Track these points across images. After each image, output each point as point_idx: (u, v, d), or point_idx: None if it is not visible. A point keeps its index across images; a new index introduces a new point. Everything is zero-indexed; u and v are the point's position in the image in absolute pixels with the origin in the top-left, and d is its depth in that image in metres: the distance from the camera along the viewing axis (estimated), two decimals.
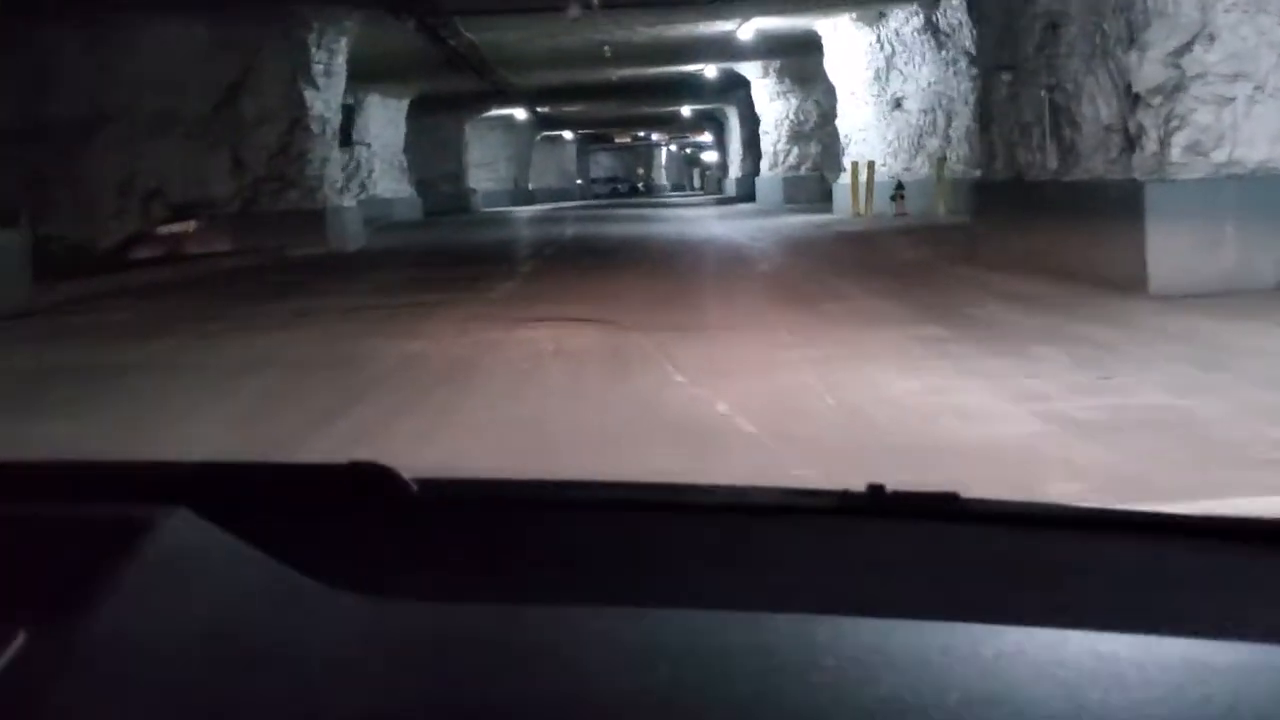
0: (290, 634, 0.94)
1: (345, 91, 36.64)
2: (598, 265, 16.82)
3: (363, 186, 36.84)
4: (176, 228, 20.48)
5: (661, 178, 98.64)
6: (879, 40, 25.40)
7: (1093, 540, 1.08)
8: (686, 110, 57.67)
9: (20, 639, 0.84)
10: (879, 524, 1.11)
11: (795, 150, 36.94)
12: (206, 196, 21.27)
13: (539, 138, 64.51)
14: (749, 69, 36.67)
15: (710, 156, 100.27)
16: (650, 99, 49.36)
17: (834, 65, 27.30)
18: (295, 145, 21.60)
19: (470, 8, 21.86)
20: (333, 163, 22.85)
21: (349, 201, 24.13)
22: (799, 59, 34.42)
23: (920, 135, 24.57)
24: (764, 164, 37.88)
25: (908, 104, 24.86)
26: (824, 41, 27.17)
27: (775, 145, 37.22)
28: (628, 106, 53.69)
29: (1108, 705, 0.82)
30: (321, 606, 0.98)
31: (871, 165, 24.47)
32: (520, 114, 51.69)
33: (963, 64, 23.28)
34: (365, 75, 33.92)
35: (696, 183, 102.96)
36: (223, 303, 13.58)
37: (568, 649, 0.93)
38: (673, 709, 0.85)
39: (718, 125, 64.64)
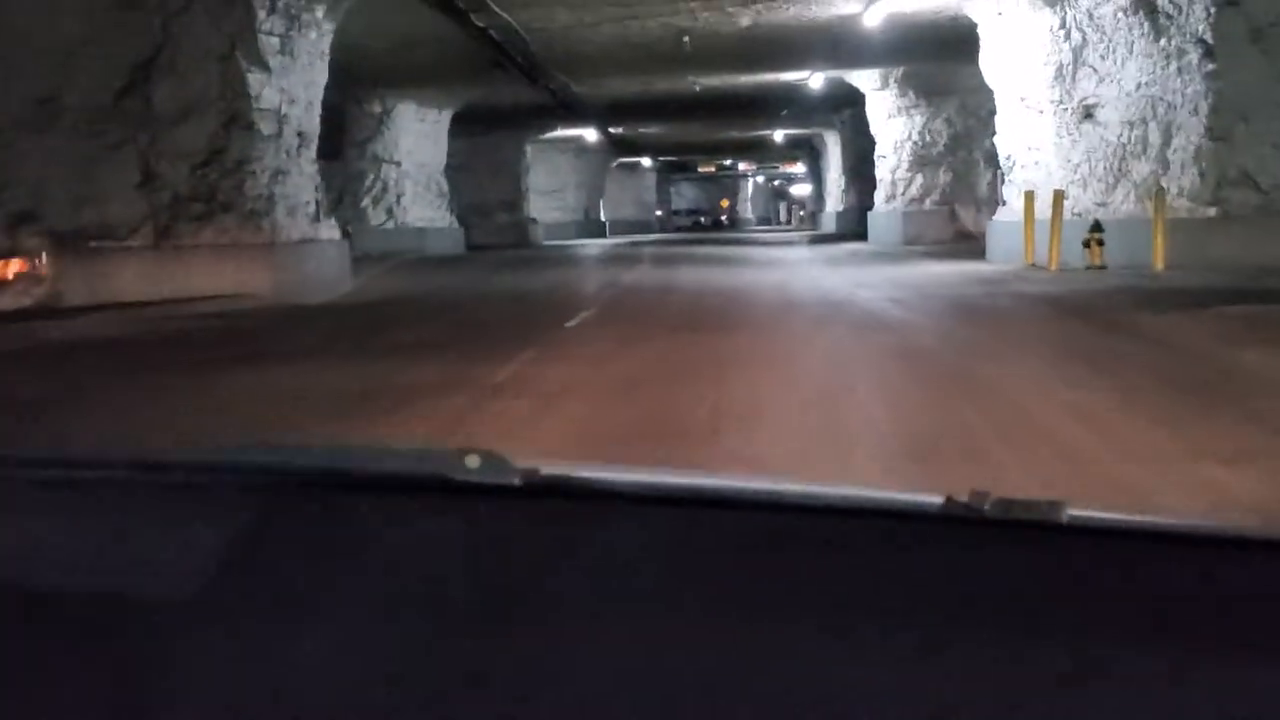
0: None
1: (370, 98, 30.55)
2: (670, 344, 10.03)
3: (389, 213, 30.52)
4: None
5: (747, 210, 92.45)
6: (1063, 25, 18.41)
7: (1205, 559, 1.03)
8: (779, 135, 50.82)
9: None
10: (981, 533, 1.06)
11: (919, 179, 29.96)
12: (103, 221, 14.81)
13: (614, 164, 58.07)
14: (864, 79, 29.79)
15: (800, 190, 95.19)
16: (739, 119, 42.54)
17: (994, 61, 20.28)
18: (232, 150, 15.07)
19: None
20: (295, 177, 16.26)
21: (327, 232, 17.51)
22: (931, 65, 27.52)
23: (1123, 157, 17.53)
24: (879, 195, 30.90)
25: (1104, 113, 17.83)
26: (980, 29, 20.21)
27: (894, 173, 30.26)
28: (712, 129, 46.93)
29: None
30: None
31: (1059, 197, 17.40)
32: (591, 135, 45.23)
33: (1193, 56, 16.26)
34: (391, 76, 27.57)
35: (783, 216, 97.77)
36: None
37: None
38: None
39: (812, 153, 57.82)
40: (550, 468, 1.17)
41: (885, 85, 29.66)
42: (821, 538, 1.09)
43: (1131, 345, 9.10)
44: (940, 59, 26.22)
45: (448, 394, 7.29)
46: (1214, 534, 1.08)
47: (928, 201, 29.91)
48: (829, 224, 50.13)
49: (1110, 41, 17.59)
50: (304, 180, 16.68)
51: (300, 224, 16.40)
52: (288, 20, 15.61)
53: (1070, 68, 18.32)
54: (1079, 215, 17.88)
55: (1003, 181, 20.97)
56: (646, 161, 64.39)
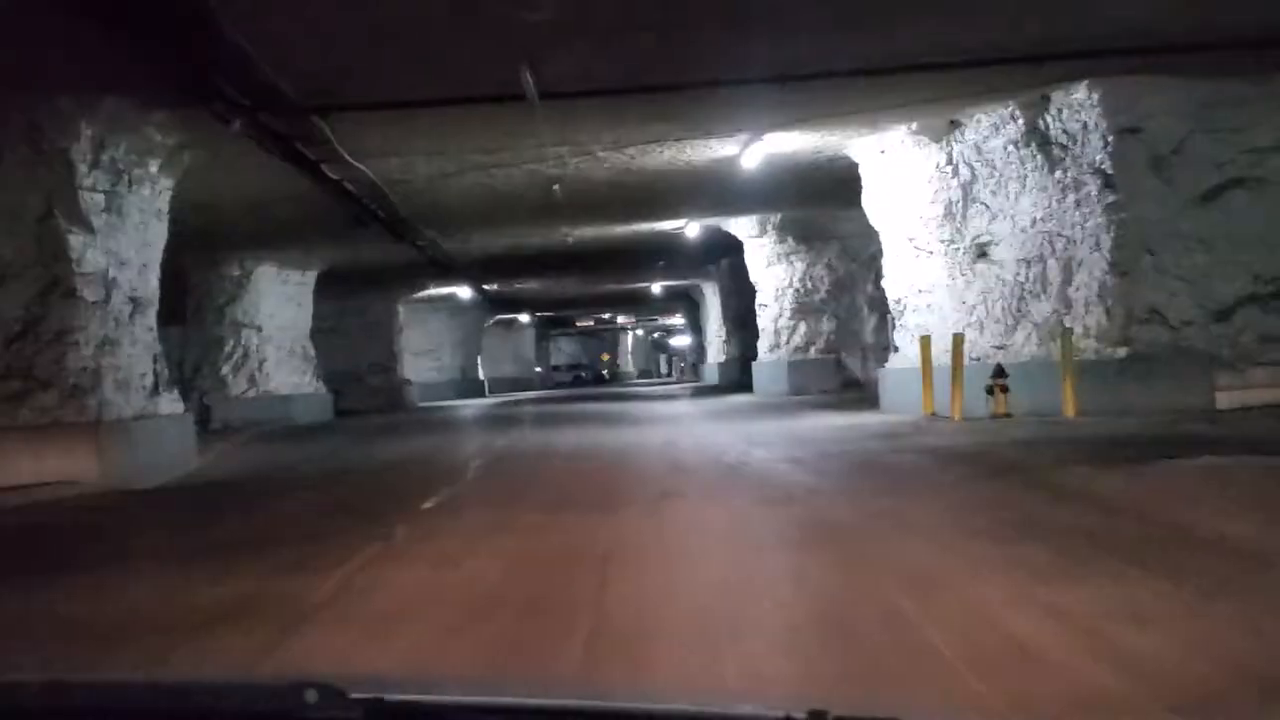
0: None
1: (227, 259, 28.92)
2: (542, 531, 8.48)
3: (251, 380, 28.68)
4: None
5: (628, 364, 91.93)
6: (950, 161, 17.60)
7: None
8: (657, 287, 50.10)
9: None
10: None
11: (802, 327, 29.04)
12: None
13: (491, 321, 56.79)
14: (742, 226, 28.99)
15: (680, 342, 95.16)
16: (615, 272, 41.67)
17: (878, 202, 19.43)
18: (50, 320, 13.36)
19: (336, 101, 13.92)
20: (127, 347, 14.53)
21: (167, 406, 15.74)
22: (810, 209, 26.81)
23: (1021, 296, 16.60)
24: (762, 344, 29.89)
25: (999, 251, 16.95)
26: (861, 169, 19.38)
27: (776, 321, 29.31)
28: (589, 283, 46.02)
29: None
30: None
31: (959, 341, 16.33)
32: (465, 293, 43.90)
33: (1091, 188, 15.46)
34: (248, 237, 26.05)
35: (664, 369, 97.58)
36: None
37: None
38: None
39: (691, 305, 57.32)
40: (394, 694, 1.18)
41: (763, 232, 28.87)
42: None
43: (1092, 517, 7.75)
44: (820, 203, 25.49)
45: (252, 620, 5.69)
46: None
47: (812, 350, 28.98)
48: (711, 375, 49.24)
49: (1001, 176, 16.79)
50: (138, 350, 14.97)
51: (134, 399, 14.64)
52: (113, 175, 14.05)
53: (960, 205, 17.48)
54: (977, 359, 16.87)
55: (893, 327, 19.99)
56: (524, 318, 63.24)
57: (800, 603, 5.84)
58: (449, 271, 36.02)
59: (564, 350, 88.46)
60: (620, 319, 78.62)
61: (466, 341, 52.57)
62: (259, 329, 28.80)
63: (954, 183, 17.51)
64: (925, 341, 17.24)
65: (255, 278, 28.71)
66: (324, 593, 6.24)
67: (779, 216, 28.42)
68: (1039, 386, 15.80)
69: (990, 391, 15.98)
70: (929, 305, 18.24)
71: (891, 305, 19.64)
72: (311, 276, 31.20)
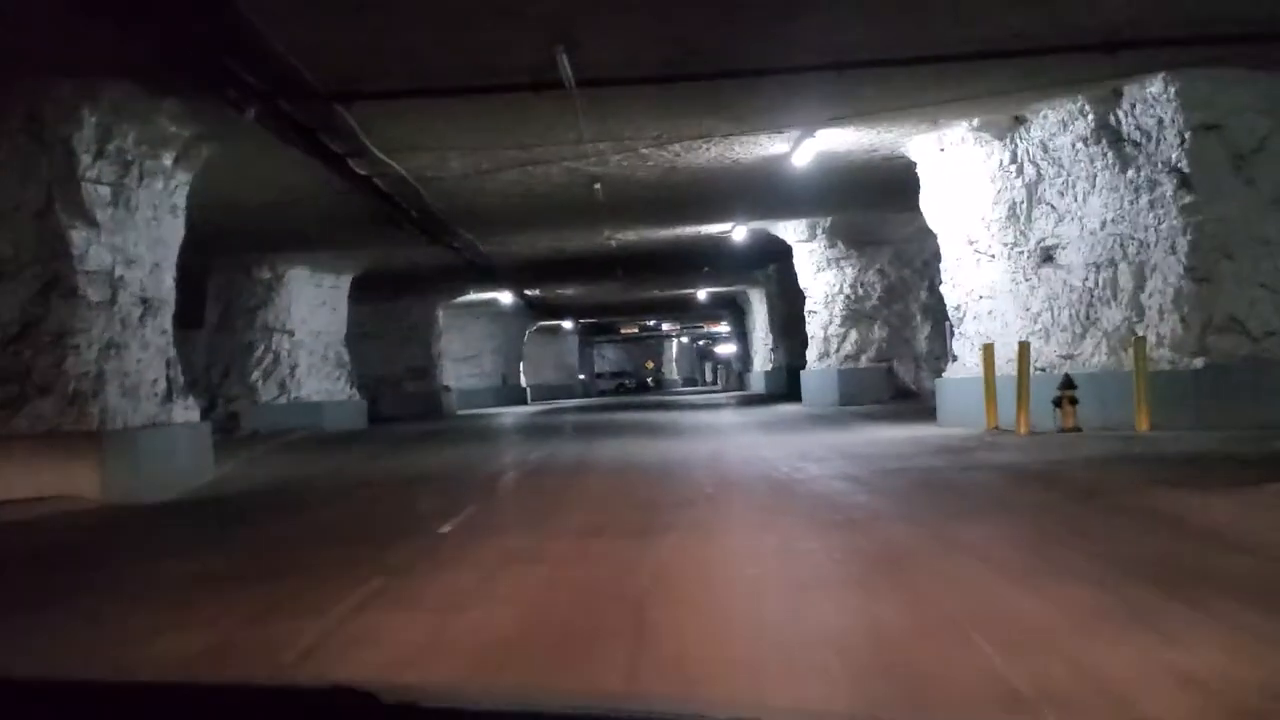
0: None
1: (258, 262, 28.17)
2: (571, 560, 7.53)
3: (281, 387, 27.90)
4: None
5: (672, 372, 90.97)
6: (1014, 160, 16.52)
7: None
8: (702, 294, 49.10)
9: None
10: None
11: (853, 335, 27.95)
12: None
13: (534, 328, 56.02)
14: (790, 230, 27.95)
15: (725, 349, 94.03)
16: (659, 278, 40.70)
17: (937, 203, 18.36)
18: (50, 321, 12.52)
19: (359, 88, 13.01)
20: (136, 351, 13.67)
21: (181, 414, 14.87)
22: (862, 212, 25.78)
23: (1090, 303, 15.50)
24: (811, 353, 28.81)
25: (1066, 255, 15.85)
26: (919, 168, 18.32)
27: (826, 329, 28.22)
28: (633, 288, 45.03)
29: None
30: None
31: (1025, 351, 15.25)
32: (506, 298, 43.05)
33: (1166, 188, 14.35)
34: (278, 238, 25.30)
35: (709, 377, 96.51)
36: None
37: None
38: None
39: (737, 311, 56.26)
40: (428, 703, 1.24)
41: (813, 236, 27.82)
42: None
43: (1208, 554, 6.69)
44: (873, 205, 24.44)
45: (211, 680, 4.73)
46: None
47: (863, 359, 27.88)
48: (757, 384, 48.19)
49: (1069, 175, 15.70)
50: (149, 355, 14.12)
51: (144, 406, 13.79)
52: (121, 167, 13.18)
53: (1024, 206, 16.40)
54: (1043, 370, 15.79)
55: (952, 334, 18.90)
56: (567, 324, 62.42)
57: (874, 668, 4.81)
58: (489, 276, 35.19)
59: (607, 357, 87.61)
60: (664, 326, 77.74)
61: (508, 348, 51.79)
62: (290, 334, 28.03)
63: (1018, 182, 16.43)
64: (989, 350, 16.16)
65: (287, 280, 27.94)
66: (303, 645, 5.27)
67: (829, 220, 27.36)
68: (1109, 399, 14.71)
69: (1058, 404, 14.89)
70: (990, 312, 17.16)
71: (950, 312, 18.57)
72: (346, 280, 30.41)
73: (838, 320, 28.02)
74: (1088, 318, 15.53)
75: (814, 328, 28.49)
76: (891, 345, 27.81)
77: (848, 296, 27.93)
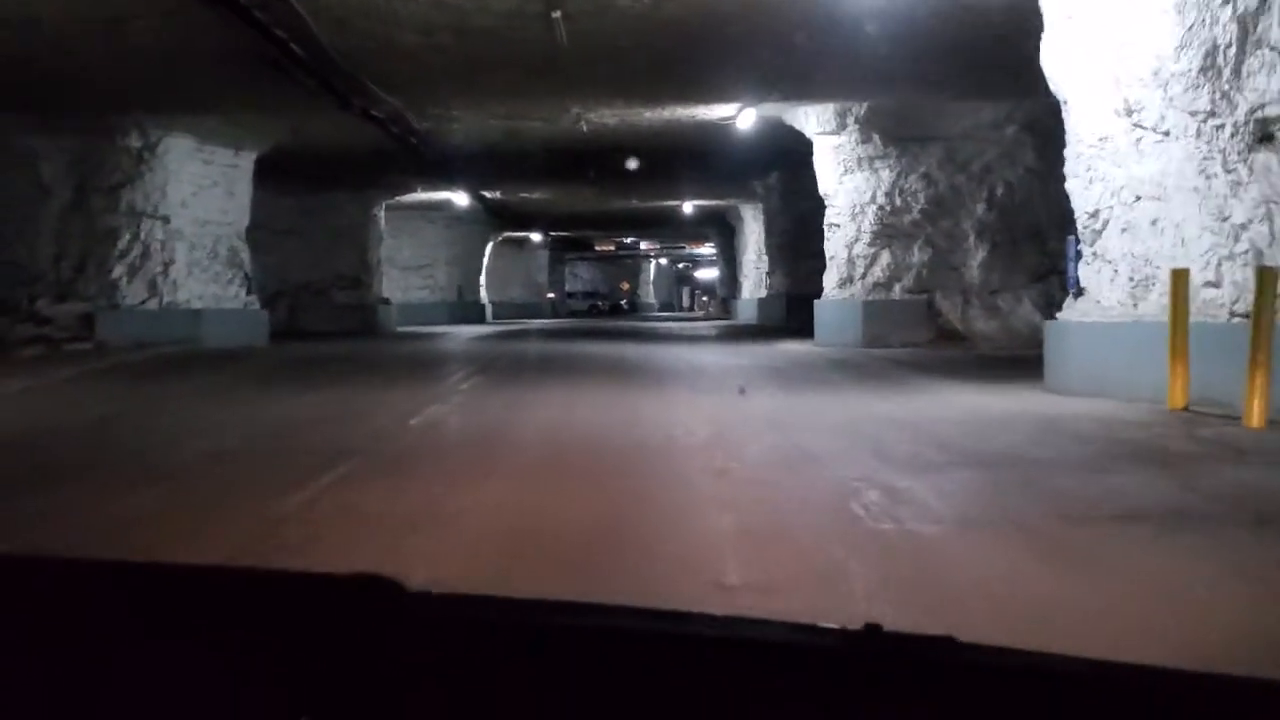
0: None
1: (124, 126, 21.87)
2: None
3: (152, 288, 21.67)
4: None
5: (649, 295, 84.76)
6: None
7: (1095, 695, 1.05)
8: (688, 207, 42.78)
9: None
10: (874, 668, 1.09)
11: (885, 258, 21.85)
12: None
13: (499, 239, 49.60)
14: (812, 117, 21.75)
15: (706, 274, 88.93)
16: (639, 185, 34.30)
17: (1070, 49, 12.03)
18: None
19: None
20: None
21: None
22: (916, 94, 19.70)
23: None
24: (829, 278, 22.61)
25: None
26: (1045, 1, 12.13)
27: (851, 248, 22.08)
28: (609, 196, 38.68)
29: None
30: None
31: (1273, 280, 9.10)
32: (462, 200, 36.77)
33: None
34: (149, 95, 19.01)
35: (686, 302, 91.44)
36: None
37: None
38: None
39: (725, 231, 50.08)
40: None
41: (841, 127, 21.61)
42: (714, 674, 1.08)
43: None
44: (935, 82, 18.25)
45: None
46: (1104, 671, 1.06)
47: (897, 288, 21.81)
48: (746, 313, 42.11)
49: None
50: None
51: None
52: None
53: (1231, 51, 10.21)
54: (1244, 316, 9.74)
55: (1076, 256, 12.71)
56: (536, 237, 55.91)
57: None
58: (439, 171, 28.98)
59: (580, 276, 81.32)
60: (643, 245, 71.42)
61: (466, 259, 45.42)
62: (165, 220, 21.73)
63: (1225, 12, 10.23)
64: (1179, 279, 10.04)
65: (163, 152, 21.61)
66: None
67: (865, 107, 21.19)
68: None
69: None
70: (1155, 222, 11.01)
71: (1081, 221, 12.28)
72: (248, 159, 23.97)
73: (866, 238, 21.88)
74: None
75: (835, 246, 22.33)
76: (933, 273, 21.72)
77: (881, 208, 21.78)
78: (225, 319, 22.59)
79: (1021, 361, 15.46)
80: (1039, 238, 21.43)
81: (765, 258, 37.63)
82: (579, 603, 1.24)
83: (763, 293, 37.63)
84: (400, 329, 34.68)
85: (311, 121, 22.24)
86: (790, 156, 25.53)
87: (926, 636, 1.05)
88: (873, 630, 1.07)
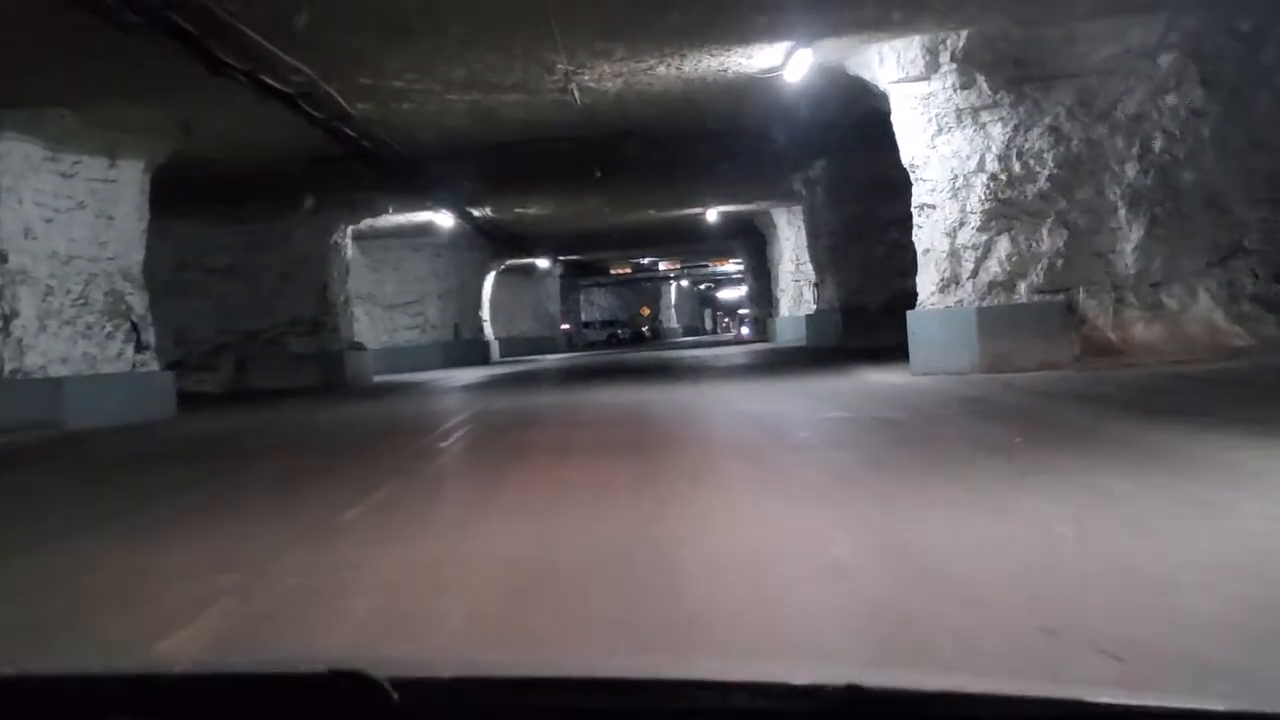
0: None
1: None
2: None
3: None
4: None
5: (671, 319, 78.99)
6: None
7: None
8: (712, 214, 36.60)
9: None
10: None
11: (1003, 245, 15.67)
12: None
13: (500, 267, 43.57)
14: (890, 59, 15.69)
15: (729, 294, 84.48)
16: (654, 185, 28.26)
17: None
18: None
19: None
20: None
21: None
22: (1025, 8, 13.71)
23: None
24: (924, 280, 16.32)
25: None
26: None
27: (954, 236, 15.87)
28: (620, 204, 32.70)
29: None
30: None
31: None
32: (446, 221, 30.85)
33: None
34: None
35: (708, 324, 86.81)
36: None
37: None
38: None
39: (756, 241, 44.01)
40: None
41: (932, 69, 15.49)
42: None
43: None
44: None
45: None
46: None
47: (1022, 287, 15.65)
48: (788, 332, 35.91)
49: None
50: None
51: None
52: None
53: None
54: None
55: None
56: (544, 263, 49.79)
57: None
58: (404, 180, 23.15)
59: (597, 304, 75.44)
60: (663, 265, 65.43)
61: (461, 292, 39.39)
62: (2, 259, 15.73)
63: None
64: None
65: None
66: None
67: (964, 36, 15.13)
68: None
69: None
70: None
71: None
72: (134, 171, 17.82)
73: (975, 220, 15.71)
74: None
75: (930, 235, 16.14)
76: (1072, 263, 15.54)
77: (993, 177, 15.62)
78: (102, 389, 16.50)
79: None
80: (1216, 205, 15.35)
81: (804, 268, 31.73)
82: (559, 679, 1.25)
83: (809, 308, 31.51)
84: (380, 378, 28.66)
85: (209, 113, 16.43)
86: (845, 133, 19.71)
87: (906, 695, 1.06)
88: (854, 690, 1.05)
